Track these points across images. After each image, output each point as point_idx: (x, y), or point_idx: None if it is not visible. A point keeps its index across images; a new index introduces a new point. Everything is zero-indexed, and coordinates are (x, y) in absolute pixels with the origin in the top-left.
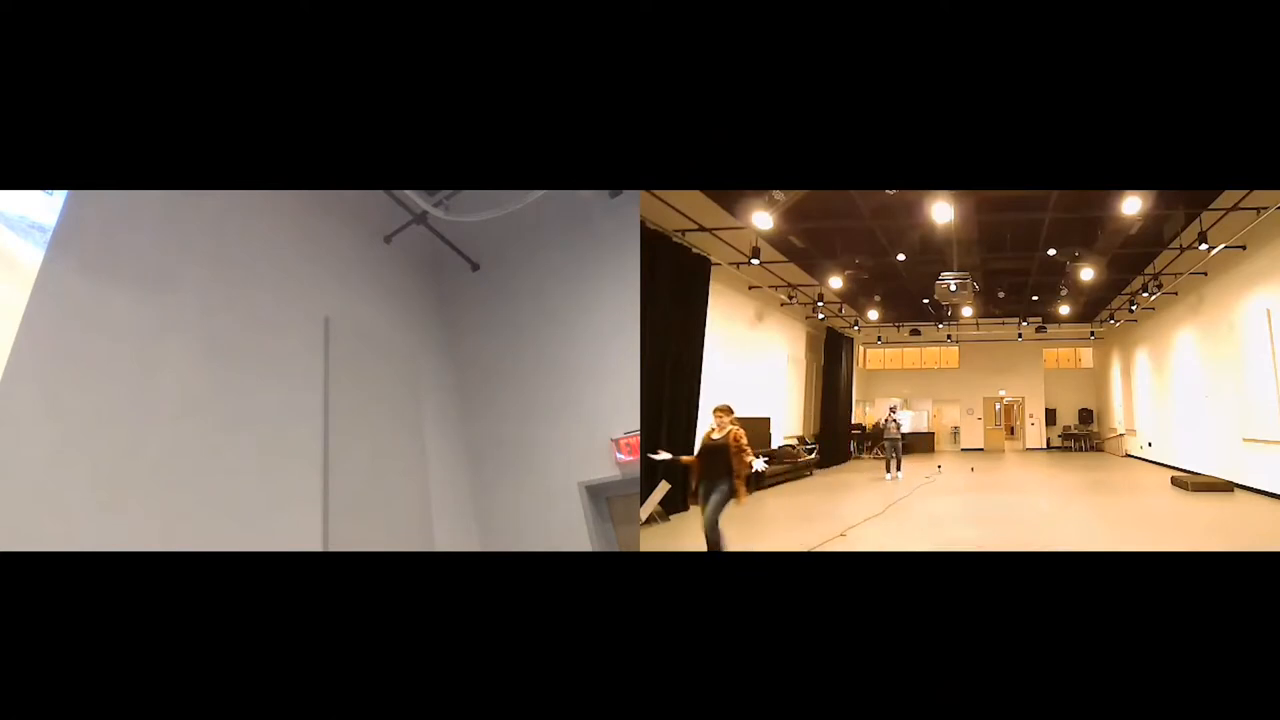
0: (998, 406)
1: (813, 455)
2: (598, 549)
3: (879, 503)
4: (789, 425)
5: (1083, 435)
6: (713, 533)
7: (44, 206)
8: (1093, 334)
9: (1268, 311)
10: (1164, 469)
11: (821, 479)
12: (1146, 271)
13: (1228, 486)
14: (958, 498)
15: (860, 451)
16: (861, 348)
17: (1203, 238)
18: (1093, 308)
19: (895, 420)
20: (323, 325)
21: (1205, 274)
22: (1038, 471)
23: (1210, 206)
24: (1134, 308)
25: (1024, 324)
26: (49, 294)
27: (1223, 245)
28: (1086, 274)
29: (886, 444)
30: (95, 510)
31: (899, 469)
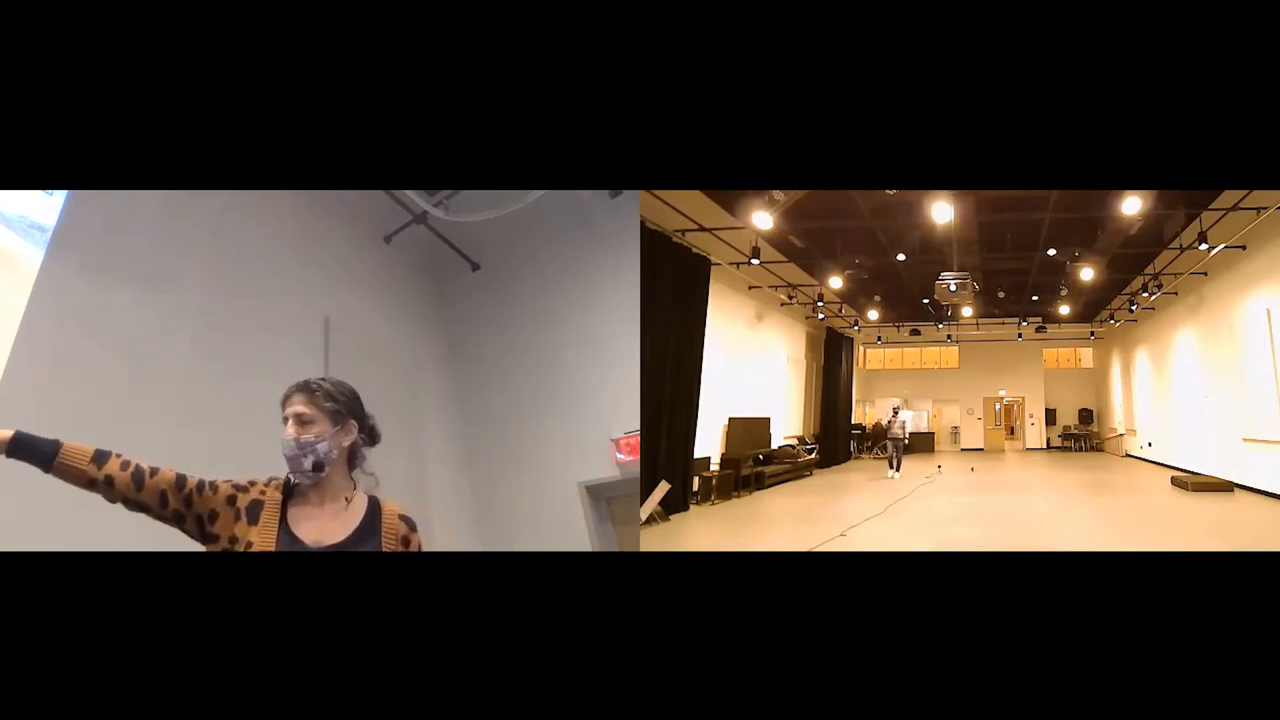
0: (998, 406)
1: (813, 455)
2: (598, 549)
3: (879, 503)
4: (789, 425)
5: (1083, 435)
6: None
7: (44, 206)
8: (1093, 334)
9: (1268, 311)
10: (1164, 469)
11: (821, 479)
12: (1146, 271)
13: (1228, 486)
14: (958, 498)
15: (860, 451)
16: (861, 348)
17: (1203, 238)
18: (1093, 308)
19: (901, 420)
20: (323, 325)
21: (1205, 274)
22: (1038, 471)
23: (1210, 206)
24: (1134, 308)
25: (1024, 324)
26: (49, 294)
27: (1223, 245)
28: (1086, 274)
29: (889, 443)
30: (95, 509)
31: (899, 467)
